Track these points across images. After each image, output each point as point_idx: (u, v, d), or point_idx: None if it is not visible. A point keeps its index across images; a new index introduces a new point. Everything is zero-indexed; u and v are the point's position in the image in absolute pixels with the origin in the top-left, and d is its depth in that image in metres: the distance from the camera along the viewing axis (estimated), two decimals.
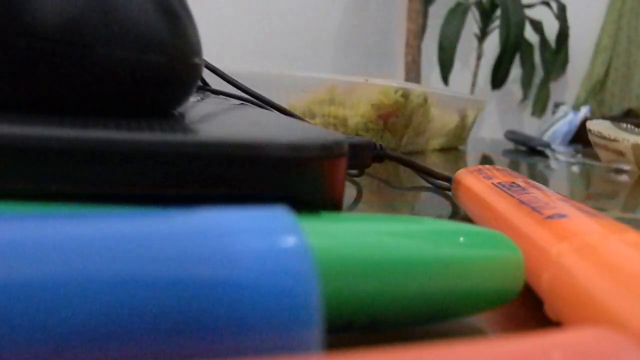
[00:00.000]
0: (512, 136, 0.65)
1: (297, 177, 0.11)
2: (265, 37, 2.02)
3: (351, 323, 0.10)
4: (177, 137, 0.11)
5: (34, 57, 0.13)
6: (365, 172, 0.32)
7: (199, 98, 0.26)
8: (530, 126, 2.21)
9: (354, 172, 0.30)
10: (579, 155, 0.58)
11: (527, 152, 0.59)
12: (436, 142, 0.53)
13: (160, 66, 0.14)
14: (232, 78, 0.31)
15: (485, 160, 0.49)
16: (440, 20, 1.98)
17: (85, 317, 0.07)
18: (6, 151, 0.10)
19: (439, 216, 0.24)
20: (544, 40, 2.04)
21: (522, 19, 1.89)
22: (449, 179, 0.27)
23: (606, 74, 2.09)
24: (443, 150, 0.55)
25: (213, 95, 0.30)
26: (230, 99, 0.30)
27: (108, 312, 0.07)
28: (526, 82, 2.11)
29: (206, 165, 0.11)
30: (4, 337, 0.07)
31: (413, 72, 1.95)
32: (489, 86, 2.06)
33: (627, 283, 0.10)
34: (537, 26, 2.01)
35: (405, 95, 0.44)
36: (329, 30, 2.14)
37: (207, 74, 0.33)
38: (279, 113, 0.24)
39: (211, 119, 0.15)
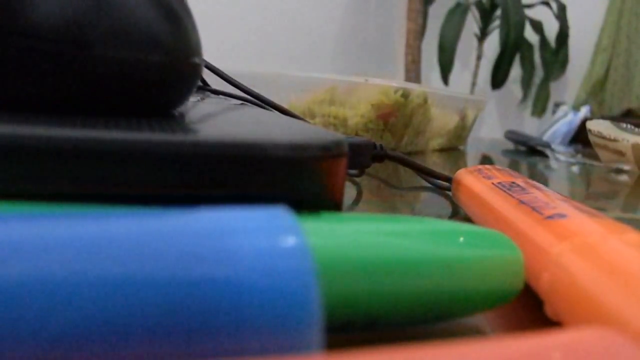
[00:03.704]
0: (512, 136, 0.65)
1: (297, 177, 0.11)
2: (265, 37, 2.02)
3: (351, 323, 0.10)
4: (177, 137, 0.11)
5: (34, 57, 0.13)
6: (365, 172, 0.32)
7: (199, 98, 0.26)
8: (530, 126, 2.21)
9: (354, 172, 0.30)
10: (579, 155, 0.58)
11: (527, 152, 0.59)
12: (436, 142, 0.53)
13: (160, 66, 0.14)
14: (232, 78, 0.31)
15: (485, 160, 0.49)
16: (440, 20, 1.98)
17: (85, 317, 0.07)
18: (6, 151, 0.10)
19: (439, 216, 0.24)
20: (544, 40, 2.04)
21: (522, 19, 1.89)
22: (449, 179, 0.27)
23: (606, 74, 2.09)
24: (443, 150, 0.55)
25: (213, 95, 0.30)
26: (230, 99, 0.30)
27: (108, 311, 0.07)
28: (526, 82, 2.11)
29: (206, 165, 0.11)
30: (4, 337, 0.07)
31: (413, 72, 1.95)
32: (489, 86, 2.06)
33: (627, 283, 0.10)
34: (537, 26, 2.01)
35: (405, 95, 0.44)
36: (329, 30, 2.14)
37: (207, 74, 0.33)
38: (279, 113, 0.24)
39: (211, 119, 0.15)
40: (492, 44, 2.02)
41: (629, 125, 0.50)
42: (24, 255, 0.07)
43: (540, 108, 2.11)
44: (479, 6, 1.98)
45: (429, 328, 0.12)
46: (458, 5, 1.98)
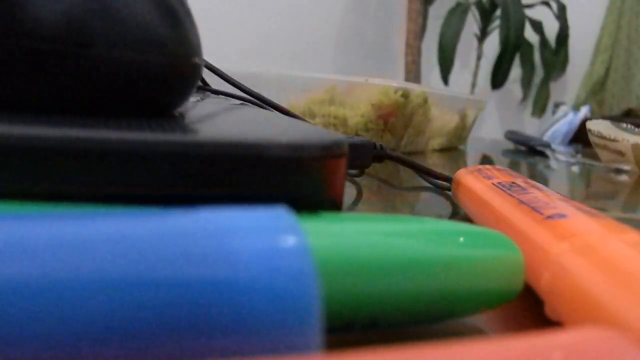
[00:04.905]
0: (512, 136, 0.65)
1: (297, 177, 0.11)
2: (265, 37, 2.02)
3: (351, 323, 0.10)
4: (177, 137, 0.11)
5: (34, 57, 0.13)
6: (365, 172, 0.32)
7: (199, 98, 0.26)
8: (530, 126, 2.21)
9: (354, 172, 0.30)
10: (579, 155, 0.58)
11: (527, 152, 0.59)
12: (436, 142, 0.53)
13: (160, 66, 0.14)
14: (232, 78, 0.31)
15: (485, 160, 0.49)
16: (440, 20, 1.98)
17: (84, 317, 0.07)
18: (6, 151, 0.10)
19: (439, 216, 0.24)
20: (544, 40, 2.04)
21: (522, 19, 1.89)
22: (449, 179, 0.27)
23: (606, 74, 2.09)
24: (443, 150, 0.55)
25: (213, 95, 0.30)
26: (230, 99, 0.30)
27: (107, 311, 0.07)
28: (526, 82, 2.11)
29: (206, 165, 0.11)
30: (4, 337, 0.07)
31: (413, 72, 1.95)
32: (489, 86, 2.06)
33: (627, 283, 0.10)
34: (537, 26, 2.01)
35: (405, 95, 0.44)
36: (329, 30, 2.14)
37: (207, 74, 0.33)
38: (279, 113, 0.24)
39: (211, 119, 0.15)
40: (492, 44, 2.02)
41: (629, 125, 0.50)
42: (24, 256, 0.07)
43: (540, 108, 2.11)
44: (479, 6, 1.98)
45: (429, 328, 0.12)
46: (458, 5, 1.98)
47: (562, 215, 0.14)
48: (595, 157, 0.56)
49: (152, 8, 0.14)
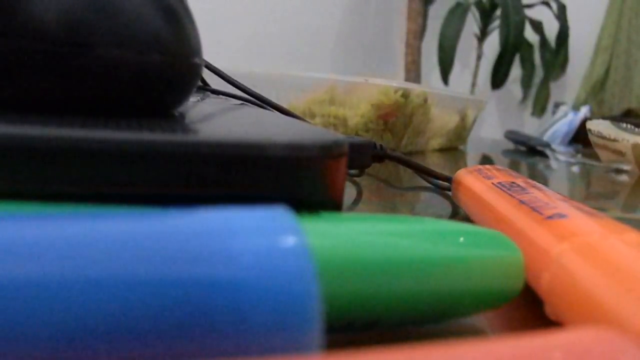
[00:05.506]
0: (512, 136, 0.65)
1: (297, 177, 0.11)
2: (265, 37, 2.02)
3: (351, 323, 0.10)
4: (177, 137, 0.11)
5: (35, 57, 0.13)
6: (365, 172, 0.32)
7: (199, 98, 0.26)
8: (530, 126, 2.21)
9: (354, 172, 0.30)
10: (579, 155, 0.58)
11: (527, 152, 0.59)
12: (436, 142, 0.53)
13: (160, 66, 0.14)
14: (232, 78, 0.31)
15: (485, 160, 0.49)
16: (440, 20, 1.98)
17: (84, 317, 0.07)
18: (6, 151, 0.10)
19: (439, 216, 0.24)
20: (544, 40, 2.04)
21: (522, 19, 1.89)
22: (449, 179, 0.27)
23: (606, 74, 2.09)
24: (443, 150, 0.55)
25: (213, 95, 0.30)
26: (230, 99, 0.30)
27: (107, 312, 0.07)
28: (526, 82, 2.11)
29: (206, 165, 0.11)
30: (3, 337, 0.07)
31: (413, 72, 1.95)
32: (489, 86, 2.06)
33: (627, 283, 0.10)
34: (537, 26, 2.01)
35: (405, 95, 0.43)
36: (329, 30, 2.14)
37: (207, 74, 0.33)
38: (279, 113, 0.24)
39: (211, 119, 0.15)
40: (492, 44, 2.02)
41: (629, 125, 0.50)
42: (23, 256, 0.07)
43: (540, 108, 2.11)
44: (479, 6, 1.98)
45: (429, 328, 0.12)
46: (458, 5, 1.98)
47: (562, 215, 0.14)
48: (595, 157, 0.56)
49: (152, 8, 0.14)
